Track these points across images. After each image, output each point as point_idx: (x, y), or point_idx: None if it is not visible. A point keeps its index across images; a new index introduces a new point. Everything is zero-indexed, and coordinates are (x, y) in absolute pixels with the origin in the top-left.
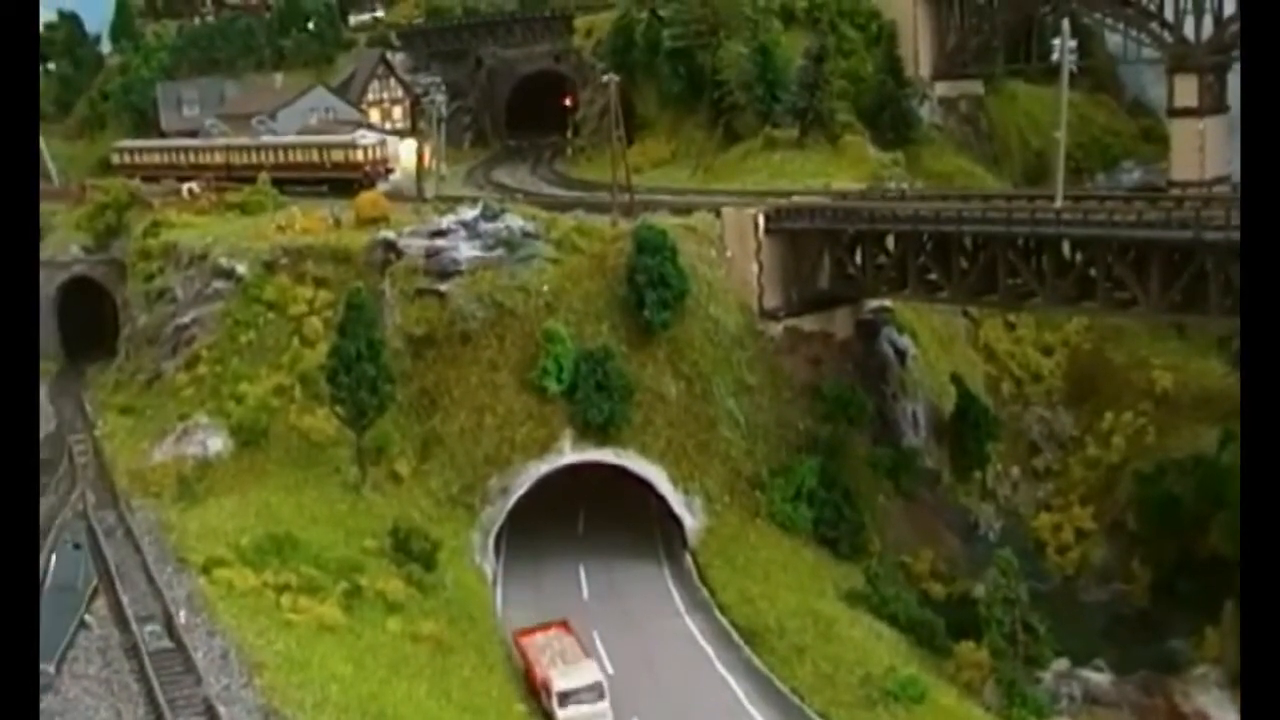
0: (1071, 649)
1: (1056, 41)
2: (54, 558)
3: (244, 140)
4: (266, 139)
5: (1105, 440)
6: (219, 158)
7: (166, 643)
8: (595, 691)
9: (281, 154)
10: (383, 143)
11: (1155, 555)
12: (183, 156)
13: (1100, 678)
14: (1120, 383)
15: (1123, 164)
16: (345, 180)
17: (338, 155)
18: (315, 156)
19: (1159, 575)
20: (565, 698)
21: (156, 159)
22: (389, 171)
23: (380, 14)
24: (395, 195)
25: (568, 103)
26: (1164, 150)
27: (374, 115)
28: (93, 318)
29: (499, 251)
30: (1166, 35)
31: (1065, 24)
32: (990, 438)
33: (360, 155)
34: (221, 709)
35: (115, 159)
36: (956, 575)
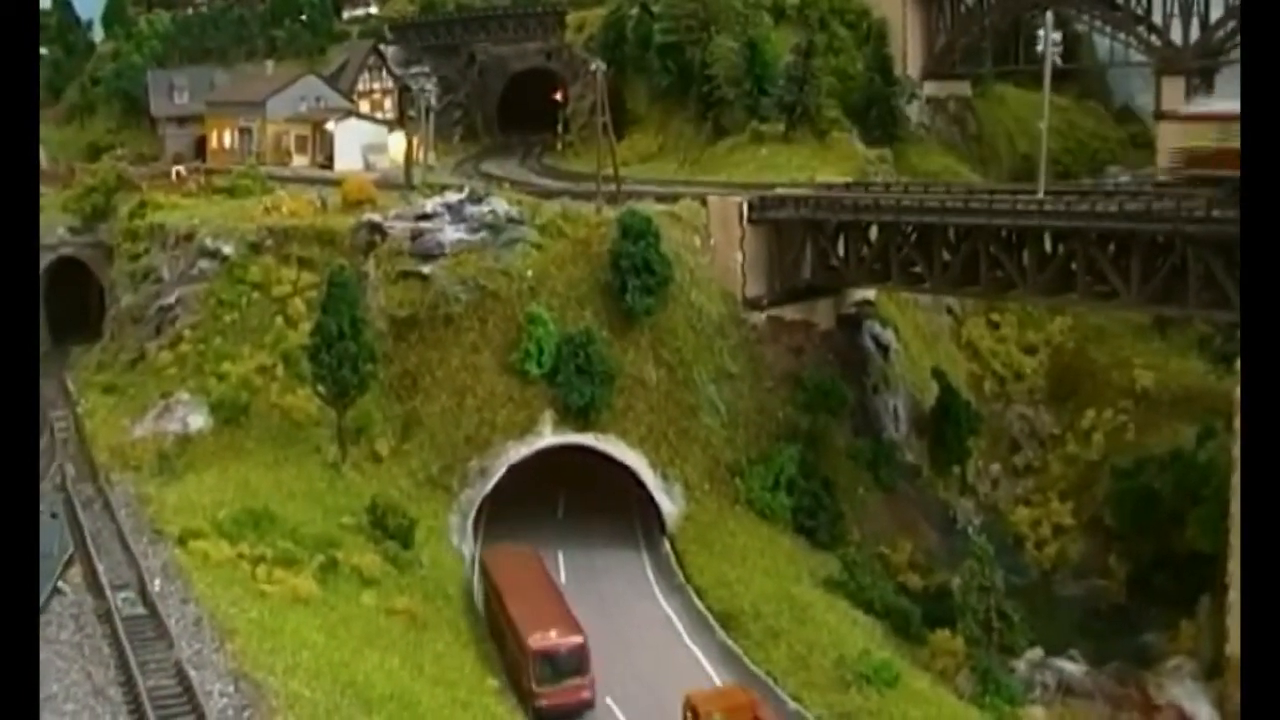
0: (1048, 642)
1: (1042, 33)
2: None
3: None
4: None
5: (1085, 438)
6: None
7: (140, 609)
8: None
9: None
10: None
11: (1132, 550)
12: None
13: (1074, 668)
14: (1101, 381)
15: (1109, 169)
16: None
17: None
18: None
19: (1136, 570)
20: None
21: None
22: None
23: (374, 9)
24: (383, 183)
25: (558, 97)
26: (1151, 156)
27: (364, 106)
28: (79, 300)
29: (483, 235)
30: (1154, 39)
31: (1049, 15)
32: (971, 433)
33: None
34: (192, 672)
35: None
36: (934, 568)
